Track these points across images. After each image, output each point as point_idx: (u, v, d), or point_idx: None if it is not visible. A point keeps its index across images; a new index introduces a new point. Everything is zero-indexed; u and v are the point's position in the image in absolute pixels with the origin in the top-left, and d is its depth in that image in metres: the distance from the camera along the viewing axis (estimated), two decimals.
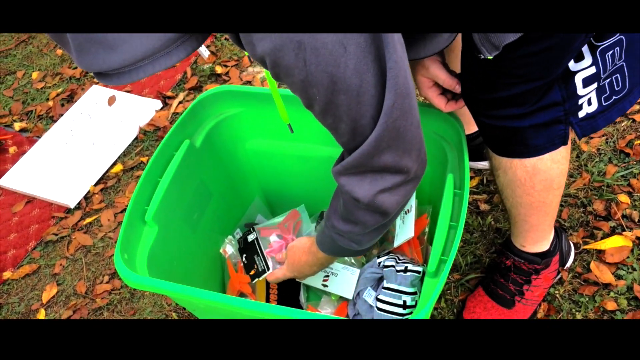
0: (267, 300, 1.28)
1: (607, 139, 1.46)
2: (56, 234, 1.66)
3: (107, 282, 1.50)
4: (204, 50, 2.05)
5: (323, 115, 0.70)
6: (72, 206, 1.72)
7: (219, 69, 2.02)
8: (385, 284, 1.14)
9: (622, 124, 1.48)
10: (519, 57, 0.82)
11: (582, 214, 1.33)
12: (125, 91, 2.06)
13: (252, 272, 1.27)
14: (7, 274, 1.59)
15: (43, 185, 1.80)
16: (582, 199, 1.35)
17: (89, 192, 1.75)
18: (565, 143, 0.93)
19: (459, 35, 0.90)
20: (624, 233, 1.27)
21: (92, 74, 0.68)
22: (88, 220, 1.67)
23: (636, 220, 1.28)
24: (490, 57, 0.81)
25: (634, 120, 1.47)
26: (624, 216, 1.30)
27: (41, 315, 1.47)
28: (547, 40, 0.79)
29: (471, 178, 1.47)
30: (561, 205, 1.35)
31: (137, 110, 1.95)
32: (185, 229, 1.20)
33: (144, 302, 1.43)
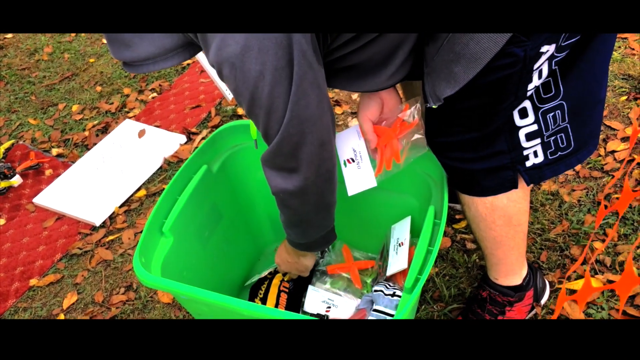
0: (277, 306, 1.39)
1: (587, 192, 1.59)
2: (81, 248, 1.81)
3: (122, 294, 1.64)
4: (228, 93, 2.25)
5: (249, 117, 0.91)
6: (97, 224, 1.89)
7: (240, 111, 2.21)
8: (374, 307, 1.27)
9: (603, 180, 1.60)
10: (458, 110, 0.97)
11: (560, 257, 1.45)
12: (155, 126, 2.26)
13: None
14: (33, 281, 1.74)
15: (73, 204, 1.97)
16: (560, 244, 1.47)
17: (113, 212, 1.92)
18: (515, 187, 1.06)
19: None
20: (596, 276, 1.37)
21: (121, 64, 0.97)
22: (111, 237, 1.83)
23: (608, 265, 1.40)
24: (434, 107, 0.96)
25: (612, 176, 1.60)
26: (597, 261, 1.41)
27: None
28: (476, 99, 0.94)
29: (461, 220, 1.60)
30: (540, 249, 1.47)
31: (163, 143, 2.14)
32: (197, 244, 1.34)
33: (154, 314, 1.57)
